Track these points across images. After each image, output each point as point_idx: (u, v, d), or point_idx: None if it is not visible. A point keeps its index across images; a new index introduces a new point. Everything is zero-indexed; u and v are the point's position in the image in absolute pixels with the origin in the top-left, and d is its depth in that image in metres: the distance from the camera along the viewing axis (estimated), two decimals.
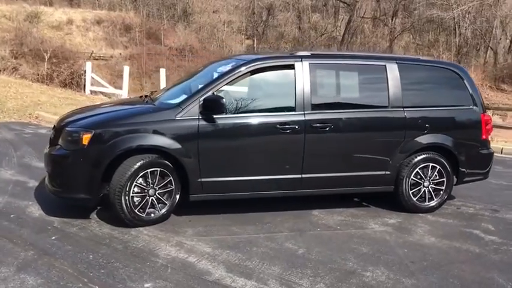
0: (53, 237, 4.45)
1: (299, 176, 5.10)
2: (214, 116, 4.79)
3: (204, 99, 4.76)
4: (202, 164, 4.80)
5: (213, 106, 4.72)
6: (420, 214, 5.55)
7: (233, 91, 5.03)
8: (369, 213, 5.55)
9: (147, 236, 4.57)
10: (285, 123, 4.96)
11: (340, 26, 44.22)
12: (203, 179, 4.84)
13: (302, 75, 5.06)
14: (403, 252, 4.49)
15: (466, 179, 5.74)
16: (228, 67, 5.05)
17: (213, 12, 42.25)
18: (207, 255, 4.22)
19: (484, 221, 5.49)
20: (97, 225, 4.81)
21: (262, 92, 5.21)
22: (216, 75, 5.13)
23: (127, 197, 4.61)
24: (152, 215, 4.79)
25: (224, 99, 4.65)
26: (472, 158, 5.66)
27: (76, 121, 4.90)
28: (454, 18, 34.80)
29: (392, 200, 5.63)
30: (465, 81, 5.69)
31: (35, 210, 5.13)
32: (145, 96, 5.87)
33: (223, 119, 4.81)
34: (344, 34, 41.57)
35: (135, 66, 32.54)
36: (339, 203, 5.69)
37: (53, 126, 5.48)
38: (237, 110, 4.92)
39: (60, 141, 4.81)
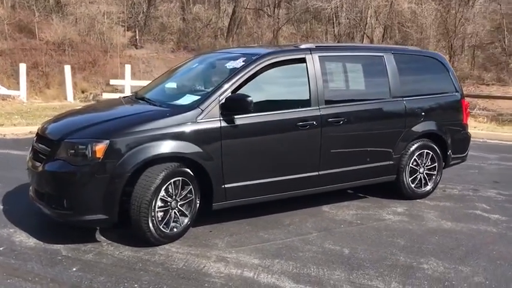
0: (74, 269, 3.80)
1: (316, 173, 4.94)
2: (235, 116, 4.42)
3: (227, 99, 4.37)
4: (225, 169, 4.42)
5: (237, 106, 4.35)
6: (418, 200, 5.70)
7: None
8: (373, 204, 5.58)
9: (180, 254, 4.11)
10: (304, 119, 4.76)
11: (223, 17, 44.24)
12: (226, 185, 4.47)
13: (314, 69, 4.88)
14: (436, 240, 4.56)
15: (451, 162, 6.01)
16: (239, 62, 4.68)
17: (90, 2, 39.79)
18: (260, 267, 3.90)
19: (474, 201, 5.80)
20: (113, 248, 4.21)
21: (277, 88, 4.93)
22: (226, 71, 4.72)
23: (153, 213, 4.10)
24: (175, 229, 4.32)
25: (251, 98, 4.30)
26: (456, 142, 5.94)
27: (79, 130, 4.22)
28: (331, 8, 36.56)
29: (390, 188, 5.70)
30: (447, 69, 5.94)
31: (25, 238, 4.36)
32: (125, 97, 5.28)
33: (244, 119, 4.46)
34: (229, 25, 41.69)
35: (8, 63, 29.59)
36: (339, 196, 5.62)
37: (35, 135, 4.71)
38: (256, 108, 4.58)
39: (60, 155, 4.11)
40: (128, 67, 14.81)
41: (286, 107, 4.78)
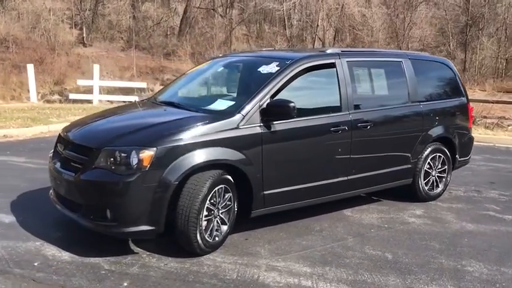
0: (125, 284, 3.61)
1: (346, 178, 4.96)
2: (275, 122, 4.36)
3: (269, 105, 4.30)
4: (265, 176, 4.35)
5: (280, 111, 4.28)
6: (432, 202, 5.85)
7: None
8: (390, 207, 5.66)
9: (228, 264, 4.00)
10: (336, 124, 4.76)
11: (173, 16, 43.62)
12: (266, 192, 4.39)
13: (343, 74, 4.89)
14: (466, 242, 4.68)
15: (457, 165, 6.20)
16: (273, 67, 4.61)
17: None
18: (314, 275, 3.86)
19: (482, 202, 6.01)
20: (155, 259, 4.04)
21: (311, 93, 4.90)
22: (260, 76, 4.63)
23: (200, 222, 3.96)
24: (217, 238, 4.20)
25: (293, 103, 4.25)
26: (462, 145, 6.14)
27: (119, 137, 4.01)
28: (284, 10, 36.93)
29: (401, 191, 5.80)
30: (455, 74, 6.13)
31: (57, 251, 4.10)
32: (144, 101, 5.08)
33: (283, 124, 4.40)
34: (181, 24, 41.19)
35: None
36: (356, 200, 5.65)
37: (58, 141, 4.46)
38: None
39: (100, 163, 3.89)
40: (96, 67, 14.28)
41: (320, 112, 4.77)
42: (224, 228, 4.26)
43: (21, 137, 9.12)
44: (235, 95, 4.99)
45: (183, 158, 3.89)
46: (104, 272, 3.78)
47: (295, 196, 4.64)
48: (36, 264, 3.86)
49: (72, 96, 14.43)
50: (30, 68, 13.45)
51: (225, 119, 4.19)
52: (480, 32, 34.18)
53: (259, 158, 4.28)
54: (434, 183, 5.88)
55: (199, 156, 3.96)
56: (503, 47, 32.45)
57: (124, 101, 14.20)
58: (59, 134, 4.67)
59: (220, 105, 4.53)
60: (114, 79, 25.40)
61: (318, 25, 38.31)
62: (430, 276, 3.91)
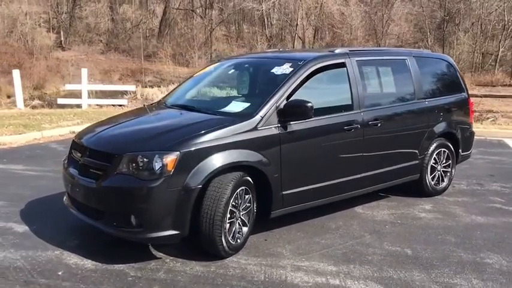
0: None
1: (359, 175, 5.01)
2: (291, 122, 4.38)
3: (287, 105, 4.32)
4: (283, 176, 4.36)
5: (297, 111, 4.30)
6: (438, 196, 5.94)
7: None
8: (399, 202, 5.73)
9: (253, 265, 4.01)
10: (349, 123, 4.81)
11: (152, 18, 43.30)
12: (284, 192, 4.41)
13: (353, 73, 4.94)
14: (480, 235, 4.76)
15: (460, 159, 6.31)
16: (287, 68, 4.63)
17: (10, 1, 37.42)
18: (341, 273, 3.89)
19: (486, 194, 6.12)
20: (179, 264, 4.02)
21: (323, 92, 4.93)
22: (274, 77, 4.65)
23: (225, 225, 3.97)
24: (239, 240, 4.20)
25: (311, 103, 4.27)
26: (464, 140, 6.25)
27: (140, 142, 3.98)
28: (264, 10, 36.97)
29: (406, 187, 5.86)
30: (456, 70, 6.24)
31: (78, 259, 4.06)
32: (154, 105, 5.06)
33: (299, 124, 4.42)
34: (160, 26, 40.96)
35: None
36: (364, 197, 5.66)
37: (73, 148, 4.41)
38: None
39: (122, 169, 3.85)
40: (84, 71, 14.08)
41: (333, 111, 4.80)
42: (245, 229, 4.27)
43: (15, 144, 8.96)
44: (247, 96, 4.97)
45: (206, 161, 3.89)
46: (130, 278, 3.75)
47: (313, 195, 4.67)
48: (60, 273, 3.81)
49: (60, 101, 14.20)
50: (16, 73, 13.18)
51: (243, 120, 4.20)
52: (456, 27, 34.76)
53: (277, 158, 4.30)
54: (440, 178, 5.97)
55: (221, 159, 3.96)
56: (479, 42, 33.04)
57: (113, 105, 14.09)
58: (73, 140, 4.61)
59: (236, 107, 4.54)
60: (95, 82, 25.15)
61: (297, 24, 38.44)
62: (453, 270, 3.98)
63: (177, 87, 5.61)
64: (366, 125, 4.94)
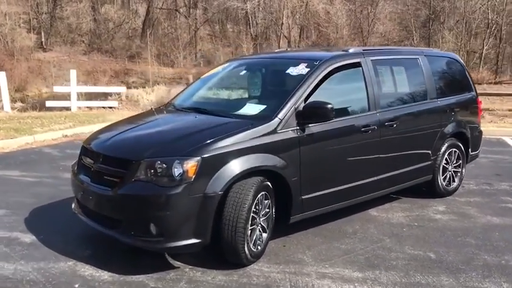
0: None
1: (376, 178, 4.91)
2: (310, 125, 4.25)
3: (306, 107, 4.18)
4: (303, 180, 4.23)
5: (317, 113, 4.17)
6: (449, 197, 5.88)
7: None
8: (412, 204, 5.64)
9: (276, 274, 3.87)
10: (366, 124, 4.70)
11: (135, 18, 42.87)
12: (303, 196, 4.29)
13: (369, 73, 4.84)
14: (499, 236, 4.69)
15: (469, 159, 6.26)
16: (303, 68, 4.49)
17: None
18: (368, 280, 3.77)
19: (497, 194, 6.07)
20: (199, 273, 3.87)
21: (340, 93, 4.81)
22: (290, 78, 4.52)
23: (248, 232, 3.83)
24: (259, 247, 4.06)
25: (331, 105, 4.15)
26: (473, 139, 6.20)
27: (158, 147, 3.81)
28: (248, 9, 36.79)
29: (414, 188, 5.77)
30: (464, 69, 6.18)
31: (93, 271, 3.88)
32: (162, 108, 4.89)
33: (317, 127, 4.30)
34: (144, 26, 40.57)
35: None
36: (376, 199, 5.56)
37: (83, 154, 4.23)
38: None
39: (140, 176, 3.68)
40: (73, 72, 13.75)
41: (350, 112, 4.69)
42: (265, 236, 4.13)
43: (7, 149, 8.68)
44: (261, 98, 4.82)
45: (227, 167, 3.74)
46: None
47: (332, 199, 4.55)
48: (77, 286, 3.64)
49: (49, 103, 13.85)
50: (1, 75, 12.81)
51: (262, 124, 4.06)
52: (441, 25, 35.00)
53: (297, 162, 4.17)
54: (451, 179, 5.90)
55: (242, 164, 3.81)
56: (464, 40, 33.32)
57: (104, 107, 13.81)
58: (83, 146, 4.42)
59: (251, 109, 4.39)
60: (79, 84, 24.73)
61: (282, 23, 38.37)
62: (480, 274, 3.89)
63: (185, 89, 5.44)
64: (382, 125, 4.84)
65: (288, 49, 5.02)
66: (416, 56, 5.53)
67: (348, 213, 5.18)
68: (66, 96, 14.02)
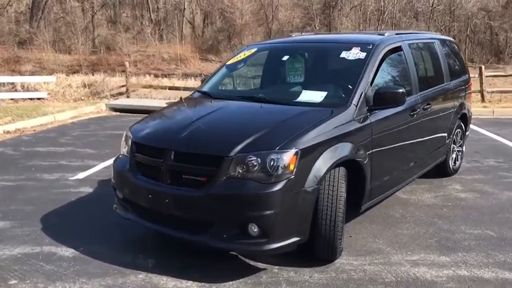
0: None
1: (419, 160, 4.96)
2: (377, 110, 4.13)
3: (377, 92, 4.04)
4: (374, 168, 4.11)
5: (390, 98, 4.03)
6: (456, 176, 6.11)
7: None
8: (429, 185, 5.76)
9: (369, 266, 3.72)
10: (414, 107, 4.68)
11: (21, 0, 39.35)
12: (372, 184, 4.17)
13: (409, 57, 4.83)
14: None
15: (465, 138, 6.55)
16: (359, 53, 4.33)
17: None
18: (460, 264, 3.76)
19: (493, 171, 6.40)
20: (293, 273, 3.60)
21: (391, 77, 4.71)
22: (346, 62, 4.33)
23: (343, 225, 3.63)
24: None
25: (403, 89, 4.06)
26: (469, 119, 6.49)
27: (247, 141, 3.42)
28: None
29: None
30: (460, 53, 6.42)
31: (176, 281, 3.47)
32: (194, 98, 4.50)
33: (383, 112, 4.18)
34: (32, 9, 37.38)
35: None
36: None
37: (134, 150, 3.75)
38: None
39: (232, 173, 3.32)
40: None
41: None
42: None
43: None
44: (314, 84, 4.50)
45: (321, 158, 3.50)
46: None
47: (390, 184, 4.50)
48: None
49: None
50: None
51: (341, 112, 3.85)
52: (339, 12, 36.47)
53: (369, 149, 4.03)
54: (455, 158, 6.13)
55: (334, 154, 3.59)
56: (362, 26, 35.00)
57: (31, 98, 12.49)
58: (134, 142, 3.87)
59: (313, 96, 4.14)
60: None
61: (184, 8, 37.58)
62: None
63: (211, 77, 5.00)
64: (422, 108, 4.85)
65: (303, 34, 4.79)
66: (434, 40, 5.62)
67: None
68: None
